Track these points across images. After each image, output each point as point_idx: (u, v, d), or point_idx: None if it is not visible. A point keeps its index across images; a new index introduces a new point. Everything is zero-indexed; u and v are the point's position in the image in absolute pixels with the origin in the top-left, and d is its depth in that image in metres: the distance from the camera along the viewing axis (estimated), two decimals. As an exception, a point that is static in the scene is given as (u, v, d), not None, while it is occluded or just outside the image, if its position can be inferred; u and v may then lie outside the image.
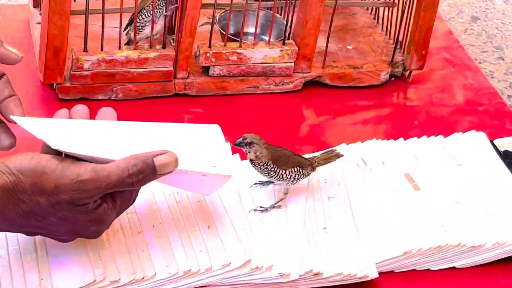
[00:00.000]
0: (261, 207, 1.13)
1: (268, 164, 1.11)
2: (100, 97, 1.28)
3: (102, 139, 0.87)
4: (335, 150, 1.19)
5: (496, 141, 1.24)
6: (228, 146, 0.99)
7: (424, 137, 1.28)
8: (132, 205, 1.07)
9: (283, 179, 1.13)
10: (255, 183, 1.17)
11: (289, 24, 1.37)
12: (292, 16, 1.36)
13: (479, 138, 1.26)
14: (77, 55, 1.24)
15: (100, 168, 0.80)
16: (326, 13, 1.34)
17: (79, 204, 0.80)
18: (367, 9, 1.50)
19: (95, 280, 1.02)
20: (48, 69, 1.22)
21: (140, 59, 1.28)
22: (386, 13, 1.45)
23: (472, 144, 1.26)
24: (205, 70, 1.31)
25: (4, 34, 1.42)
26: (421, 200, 1.17)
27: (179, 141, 0.89)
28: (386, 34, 1.43)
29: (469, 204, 1.16)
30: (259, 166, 1.12)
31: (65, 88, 1.26)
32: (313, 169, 1.16)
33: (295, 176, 1.14)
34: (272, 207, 1.14)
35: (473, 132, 1.28)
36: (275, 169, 1.12)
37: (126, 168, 0.79)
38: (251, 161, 1.13)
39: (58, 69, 1.22)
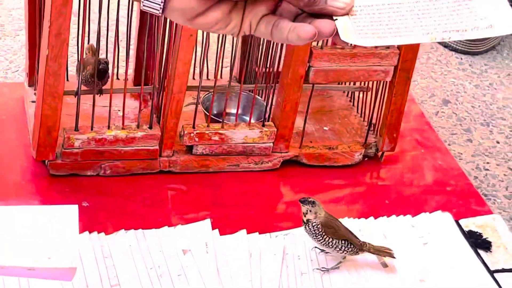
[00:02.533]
0: (322, 267, 1.18)
1: (319, 226, 1.15)
2: (89, 173, 1.31)
3: None
4: (391, 250, 1.20)
5: (461, 221, 1.28)
6: (77, 229, 0.88)
7: (393, 216, 1.31)
8: (116, 278, 1.11)
9: (330, 247, 1.16)
10: (315, 247, 1.20)
11: (269, 106, 1.39)
12: (272, 98, 1.36)
13: (445, 218, 1.30)
14: (68, 134, 1.28)
15: None
16: (305, 95, 1.35)
17: None
18: (344, 91, 1.51)
19: None
20: (40, 146, 1.25)
21: (128, 138, 1.30)
22: (361, 95, 1.45)
23: (438, 224, 1.30)
24: (189, 149, 1.33)
25: (13, 116, 1.45)
26: (389, 277, 1.17)
27: (11, 232, 0.83)
28: (360, 116, 1.45)
29: (433, 282, 1.19)
30: (311, 227, 1.15)
31: (56, 164, 1.28)
32: (362, 250, 1.18)
33: (341, 248, 1.17)
34: (332, 268, 1.18)
35: (439, 212, 1.31)
36: (323, 234, 1.15)
37: None
38: (308, 221, 1.16)
39: (50, 147, 1.26)
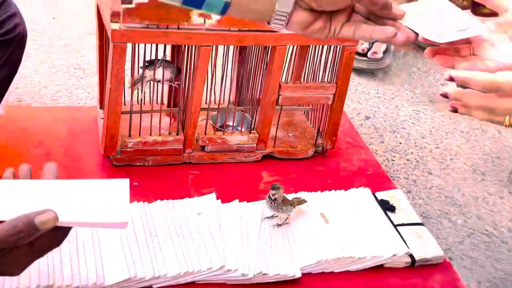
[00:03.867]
0: (277, 224, 1.18)
1: (280, 203, 1.15)
2: (138, 164, 1.30)
3: (13, 199, 0.74)
4: (302, 198, 1.23)
5: (376, 194, 1.28)
6: (127, 197, 0.82)
7: (333, 190, 1.30)
8: (154, 230, 1.09)
9: (282, 212, 1.16)
10: (266, 217, 1.19)
11: (253, 120, 1.38)
12: (256, 115, 1.37)
13: (366, 192, 1.29)
14: (124, 138, 1.27)
15: None
16: (276, 113, 1.35)
17: None
18: (302, 111, 1.52)
19: (135, 276, 1.02)
20: (107, 146, 1.26)
21: (163, 141, 1.29)
22: (313, 113, 1.46)
23: (362, 195, 1.28)
24: (202, 148, 1.32)
25: (80, 124, 1.44)
26: (329, 229, 1.18)
27: (83, 197, 0.78)
28: (312, 126, 1.45)
29: (358, 230, 1.18)
30: (276, 204, 1.15)
31: (117, 158, 1.28)
32: (294, 207, 1.19)
33: (288, 211, 1.17)
34: (281, 224, 1.19)
35: (362, 188, 1.30)
36: (281, 206, 1.15)
37: (7, 229, 0.67)
38: (275, 199, 1.16)
39: (112, 147, 1.26)
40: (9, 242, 0.67)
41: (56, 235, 0.71)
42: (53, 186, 0.76)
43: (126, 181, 0.77)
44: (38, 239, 0.70)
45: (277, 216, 1.18)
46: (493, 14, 2.02)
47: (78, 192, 0.76)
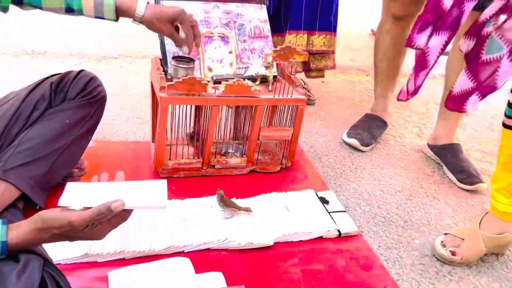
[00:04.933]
0: (227, 217, 1.13)
1: (221, 203, 1.12)
2: (174, 176, 1.29)
3: (98, 194, 0.73)
4: (249, 207, 1.15)
5: (318, 193, 1.29)
6: (165, 190, 0.77)
7: (292, 191, 1.30)
8: (185, 216, 1.07)
9: (225, 211, 1.12)
10: (226, 217, 1.13)
11: (244, 149, 1.37)
12: (245, 146, 1.36)
13: (311, 192, 1.29)
14: (167, 161, 1.27)
15: (82, 213, 0.67)
16: (258, 145, 1.35)
17: (78, 230, 0.68)
18: (274, 143, 1.50)
19: (174, 245, 1.00)
20: (156, 165, 1.27)
21: (189, 162, 1.30)
22: (280, 144, 1.45)
23: (309, 194, 1.29)
24: (213, 166, 1.32)
25: (140, 151, 1.40)
26: (290, 215, 1.18)
27: (138, 191, 0.75)
28: (279, 152, 1.45)
29: (306, 217, 1.18)
30: (221, 205, 1.12)
31: (162, 172, 1.28)
32: (239, 210, 1.14)
33: (231, 210, 1.13)
34: (228, 218, 1.12)
35: (309, 190, 1.30)
36: (224, 206, 1.12)
37: (94, 212, 0.67)
38: (219, 201, 1.12)
39: (160, 166, 1.27)
40: (95, 220, 0.67)
41: (123, 215, 0.71)
42: (122, 185, 0.76)
43: (165, 181, 0.76)
44: (113, 217, 0.70)
45: (223, 210, 1.13)
46: (321, 75, 1.88)
47: (137, 188, 0.75)
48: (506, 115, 1.04)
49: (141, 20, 1.03)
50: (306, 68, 1.74)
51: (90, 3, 0.98)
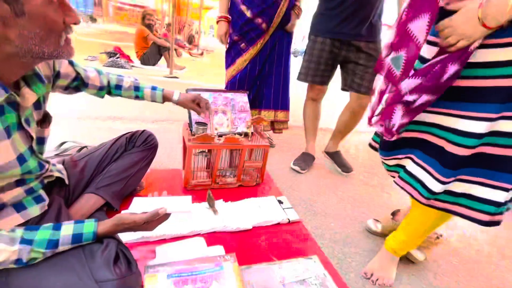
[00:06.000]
0: (214, 212, 1.14)
1: (210, 199, 1.11)
2: (196, 189, 1.34)
3: (152, 204, 0.74)
4: (216, 209, 1.14)
5: (277, 197, 1.33)
6: (190, 201, 0.79)
7: (262, 197, 1.34)
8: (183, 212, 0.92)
9: (210, 210, 1.12)
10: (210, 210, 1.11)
11: (236, 173, 1.39)
12: (236, 171, 1.39)
13: (272, 198, 1.34)
14: (191, 181, 1.32)
15: (142, 215, 0.69)
16: (243, 170, 1.39)
17: (139, 225, 0.69)
18: (252, 170, 1.45)
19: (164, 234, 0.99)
20: (185, 183, 1.33)
21: (204, 182, 1.32)
22: (255, 170, 1.44)
23: (271, 199, 1.34)
24: (217, 183, 1.38)
25: (174, 175, 1.41)
26: (260, 210, 1.20)
27: (173, 202, 0.76)
28: (255, 174, 1.47)
29: (270, 212, 1.25)
30: (209, 200, 1.10)
31: (188, 187, 1.35)
32: (211, 207, 1.11)
33: (212, 210, 1.13)
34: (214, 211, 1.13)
35: (271, 196, 1.35)
36: (210, 203, 1.12)
37: (149, 214, 0.69)
38: (208, 199, 1.12)
39: (187, 183, 1.33)
40: (149, 219, 0.71)
41: (165, 217, 0.76)
42: (165, 199, 0.79)
43: (190, 197, 0.82)
44: (160, 218, 0.74)
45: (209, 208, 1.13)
46: (281, 132, 1.88)
47: (173, 200, 0.79)
48: (372, 139, 0.93)
49: (177, 102, 1.15)
50: (273, 128, 1.88)
51: (148, 93, 1.10)
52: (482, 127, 0.57)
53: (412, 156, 0.73)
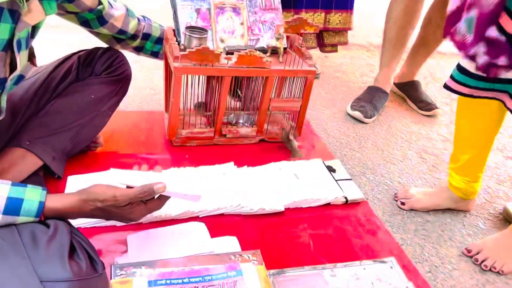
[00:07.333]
0: None
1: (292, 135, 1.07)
2: (187, 144, 1.15)
3: (140, 179, 0.69)
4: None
5: (325, 162, 1.12)
6: (199, 189, 0.76)
7: (301, 160, 1.12)
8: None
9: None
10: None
11: (255, 119, 1.18)
12: (255, 117, 1.17)
13: (319, 161, 1.12)
14: (180, 130, 1.13)
15: (126, 190, 0.64)
16: (268, 115, 1.16)
17: (120, 206, 0.62)
18: (282, 114, 1.31)
19: (189, 210, 0.88)
20: (170, 134, 1.14)
21: (202, 131, 1.14)
22: (288, 115, 1.26)
23: (317, 163, 1.12)
24: (224, 135, 1.16)
25: (154, 120, 1.24)
26: (299, 182, 1.02)
27: (176, 183, 0.72)
28: (287, 123, 1.26)
29: (315, 183, 1.03)
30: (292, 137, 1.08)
31: (176, 141, 1.15)
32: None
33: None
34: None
35: (317, 159, 1.14)
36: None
37: (138, 190, 0.63)
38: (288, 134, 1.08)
39: (173, 134, 1.14)
40: (138, 197, 0.63)
41: (159, 203, 0.67)
42: (161, 175, 0.73)
43: (199, 196, 0.70)
44: (151, 202, 0.65)
45: None
46: (335, 50, 1.63)
47: (175, 180, 0.72)
48: (452, 78, 0.87)
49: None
50: (321, 43, 1.60)
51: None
52: None
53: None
